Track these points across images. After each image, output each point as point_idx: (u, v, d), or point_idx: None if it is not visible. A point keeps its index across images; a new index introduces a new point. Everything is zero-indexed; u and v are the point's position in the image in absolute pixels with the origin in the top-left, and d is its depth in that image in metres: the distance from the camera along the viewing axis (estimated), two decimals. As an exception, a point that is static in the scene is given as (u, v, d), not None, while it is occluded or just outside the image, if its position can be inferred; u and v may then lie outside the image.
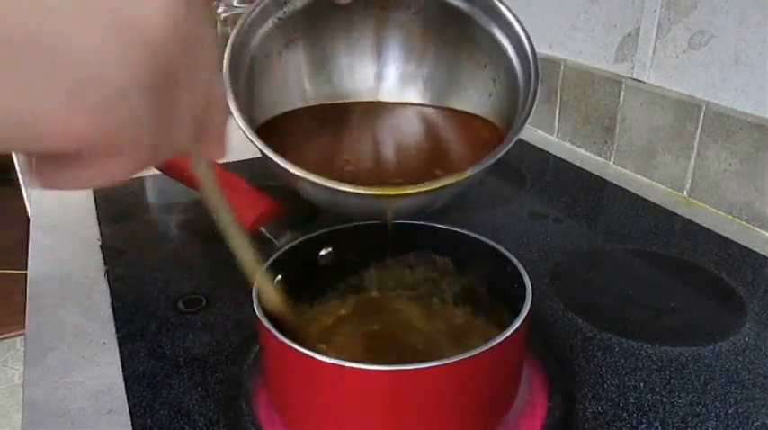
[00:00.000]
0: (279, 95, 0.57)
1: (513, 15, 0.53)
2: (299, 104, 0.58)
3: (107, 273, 0.57)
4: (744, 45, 0.65)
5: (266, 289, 0.38)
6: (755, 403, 0.42)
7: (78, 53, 0.17)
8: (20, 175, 1.92)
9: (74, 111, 0.18)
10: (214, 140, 0.26)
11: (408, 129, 0.59)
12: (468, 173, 0.45)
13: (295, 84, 0.58)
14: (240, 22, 0.51)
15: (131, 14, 0.18)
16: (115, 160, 0.20)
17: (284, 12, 0.54)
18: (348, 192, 0.43)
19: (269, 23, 0.53)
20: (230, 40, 0.49)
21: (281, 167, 0.44)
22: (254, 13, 0.51)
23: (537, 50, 0.52)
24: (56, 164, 0.20)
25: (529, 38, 0.52)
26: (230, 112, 0.26)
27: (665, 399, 0.42)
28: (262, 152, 0.45)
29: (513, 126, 0.49)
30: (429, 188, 0.44)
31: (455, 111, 0.59)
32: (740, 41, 0.66)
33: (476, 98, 0.58)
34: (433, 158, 0.53)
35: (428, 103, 0.61)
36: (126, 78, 0.18)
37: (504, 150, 0.46)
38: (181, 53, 0.20)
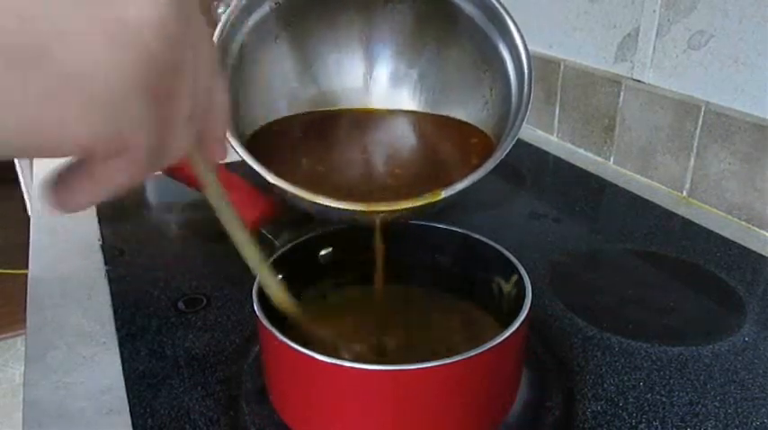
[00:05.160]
0: (266, 93, 0.56)
1: (516, 26, 0.52)
2: (286, 103, 0.57)
3: (107, 273, 0.57)
4: (743, 45, 0.65)
5: (271, 285, 0.38)
6: (755, 403, 0.42)
7: (76, 61, 0.17)
8: (20, 175, 1.92)
9: (73, 117, 0.18)
10: (215, 143, 0.26)
11: (399, 138, 0.58)
12: (443, 194, 0.44)
13: (282, 81, 0.57)
14: (229, 10, 0.50)
15: (121, 17, 0.18)
16: (118, 166, 0.20)
17: (276, 2, 0.53)
18: (330, 207, 0.43)
19: (261, 11, 0.53)
20: (220, 25, 0.48)
21: (262, 177, 0.44)
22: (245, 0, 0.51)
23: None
24: (64, 181, 0.21)
25: (528, 54, 0.51)
26: (230, 114, 0.26)
27: (664, 399, 0.42)
28: (247, 163, 0.45)
29: (501, 143, 0.48)
30: (406, 206, 0.44)
31: (449, 119, 0.58)
32: (740, 41, 0.66)
33: (471, 105, 0.57)
34: (424, 169, 0.52)
35: (420, 108, 0.60)
36: (123, 81, 0.18)
37: (491, 167, 0.46)
38: (176, 53, 0.20)
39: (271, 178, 0.43)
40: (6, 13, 0.16)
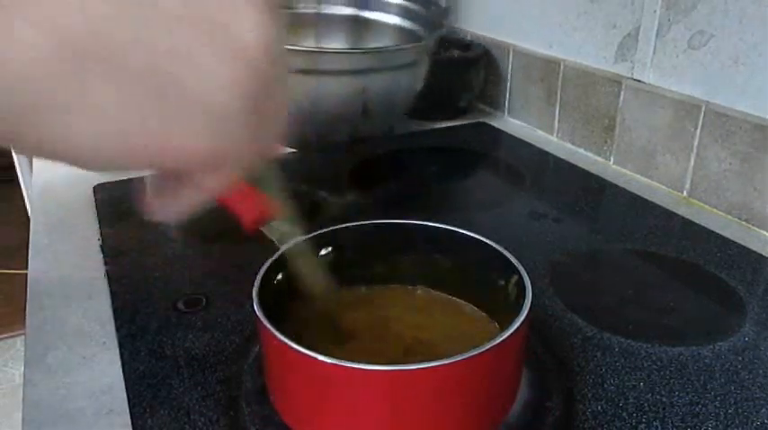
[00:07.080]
0: None
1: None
2: None
3: (107, 273, 0.57)
4: (744, 45, 0.65)
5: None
6: (755, 403, 0.42)
7: (202, 86, 0.19)
8: (20, 175, 1.92)
9: (196, 134, 0.20)
10: (277, 138, 0.27)
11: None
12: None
13: None
14: None
15: (238, 42, 0.19)
16: (216, 176, 0.22)
17: None
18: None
19: None
20: None
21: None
22: None
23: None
24: (164, 190, 0.23)
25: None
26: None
27: (664, 399, 0.42)
28: None
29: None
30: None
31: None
32: (740, 41, 0.66)
33: None
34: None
35: None
36: (239, 98, 0.20)
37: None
38: (276, 68, 0.21)
39: None
40: (139, 44, 0.18)
